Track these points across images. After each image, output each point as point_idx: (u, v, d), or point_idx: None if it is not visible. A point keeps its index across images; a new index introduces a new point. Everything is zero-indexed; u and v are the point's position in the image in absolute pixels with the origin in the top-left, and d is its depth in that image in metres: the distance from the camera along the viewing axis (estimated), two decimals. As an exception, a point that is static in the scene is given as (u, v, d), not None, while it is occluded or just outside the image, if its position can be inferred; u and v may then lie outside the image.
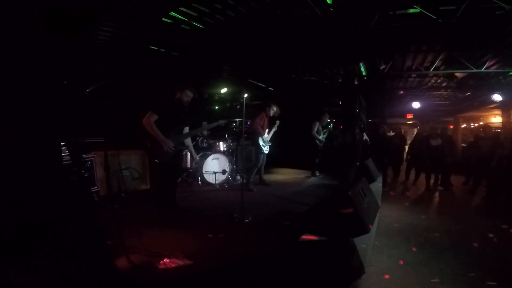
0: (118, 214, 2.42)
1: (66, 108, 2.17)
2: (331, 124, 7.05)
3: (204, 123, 6.76)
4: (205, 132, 6.71)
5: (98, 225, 2.06)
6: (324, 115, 6.89)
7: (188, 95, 3.51)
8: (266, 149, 5.35)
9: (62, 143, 2.34)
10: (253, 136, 5.31)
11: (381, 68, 3.89)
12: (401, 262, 2.80)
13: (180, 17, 3.81)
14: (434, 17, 3.64)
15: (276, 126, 5.59)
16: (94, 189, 4.20)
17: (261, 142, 5.24)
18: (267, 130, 5.43)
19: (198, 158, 5.82)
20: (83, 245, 1.82)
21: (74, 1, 2.27)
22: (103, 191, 4.29)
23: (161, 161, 3.38)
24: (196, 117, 3.79)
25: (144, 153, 4.88)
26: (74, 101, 2.63)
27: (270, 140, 5.50)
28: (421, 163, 7.14)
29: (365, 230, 2.47)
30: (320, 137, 6.69)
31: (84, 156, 4.10)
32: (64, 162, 2.50)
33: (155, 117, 3.30)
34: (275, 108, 5.42)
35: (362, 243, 2.44)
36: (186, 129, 3.69)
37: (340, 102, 4.67)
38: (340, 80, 7.35)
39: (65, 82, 2.26)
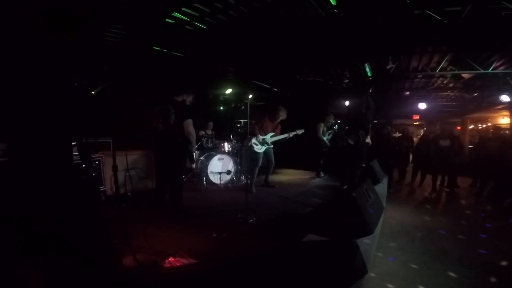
0: (124, 213, 2.47)
1: (76, 108, 2.22)
2: (336, 125, 7.02)
3: (210, 123, 6.84)
4: (209, 132, 6.78)
5: (105, 224, 2.10)
6: (329, 116, 6.88)
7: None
8: (259, 148, 5.21)
9: (73, 143, 2.39)
10: (250, 136, 5.20)
11: (388, 67, 3.86)
12: (405, 264, 2.80)
13: (182, 17, 3.85)
14: (439, 18, 3.63)
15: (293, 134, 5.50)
16: (102, 188, 4.28)
17: (253, 140, 5.16)
18: (271, 133, 5.32)
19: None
20: (89, 243, 1.85)
21: (74, 1, 2.30)
22: (110, 191, 4.37)
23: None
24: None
25: (150, 152, 4.94)
26: (84, 102, 2.69)
27: (274, 143, 5.40)
28: (427, 165, 7.08)
29: (369, 231, 2.48)
30: (325, 138, 6.68)
31: (92, 156, 4.18)
32: (74, 162, 2.56)
33: None
34: (282, 112, 5.35)
35: (366, 244, 2.44)
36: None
37: (346, 103, 4.67)
38: (346, 81, 7.34)
39: (75, 84, 2.31)
